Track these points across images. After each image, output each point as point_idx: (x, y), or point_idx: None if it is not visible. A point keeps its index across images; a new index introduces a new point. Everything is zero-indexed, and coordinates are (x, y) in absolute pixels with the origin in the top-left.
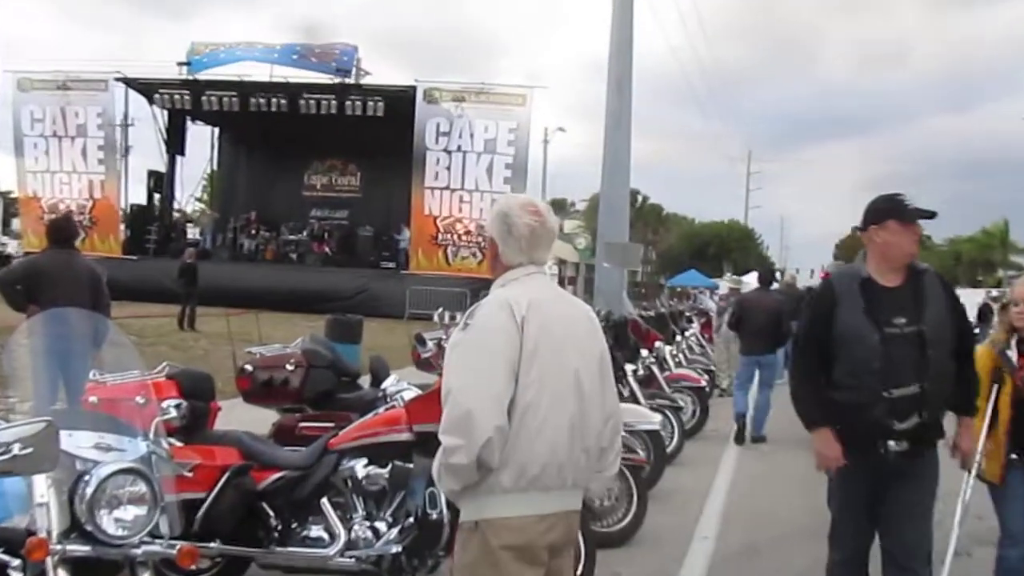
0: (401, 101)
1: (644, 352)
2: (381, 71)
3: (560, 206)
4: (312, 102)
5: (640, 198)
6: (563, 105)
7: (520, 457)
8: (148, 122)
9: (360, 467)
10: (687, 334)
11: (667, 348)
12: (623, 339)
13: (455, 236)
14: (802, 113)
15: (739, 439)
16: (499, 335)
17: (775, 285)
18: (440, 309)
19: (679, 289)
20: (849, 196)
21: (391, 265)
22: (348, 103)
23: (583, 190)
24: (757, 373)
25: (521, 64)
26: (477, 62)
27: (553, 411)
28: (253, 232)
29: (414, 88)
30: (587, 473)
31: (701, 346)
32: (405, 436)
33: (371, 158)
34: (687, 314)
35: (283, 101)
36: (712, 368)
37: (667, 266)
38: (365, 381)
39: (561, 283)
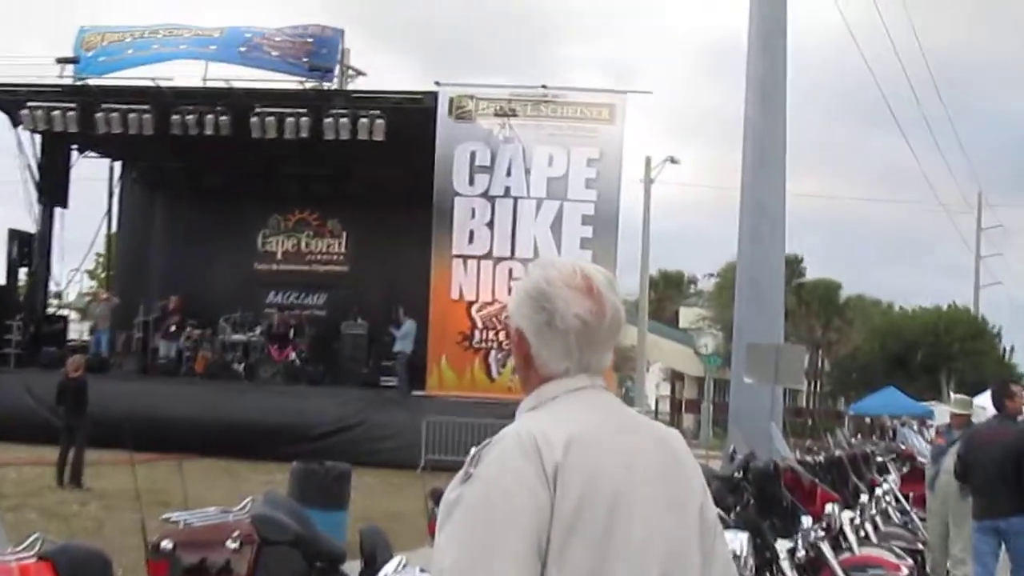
0: (413, 117)
1: (808, 521)
2: (381, 69)
3: (673, 284)
4: (270, 120)
5: (801, 270)
6: (668, 122)
7: None
8: (9, 154)
9: None
10: (881, 491)
11: (846, 514)
12: (772, 499)
13: (501, 335)
14: None
15: None
16: (515, 495)
17: None
18: (474, 451)
19: (868, 419)
20: None
21: (395, 382)
22: (328, 121)
23: (709, 258)
24: (1002, 549)
25: (596, 56)
26: (527, 54)
27: None
28: (174, 329)
29: (434, 96)
30: None
31: (904, 511)
32: None
33: (365, 209)
34: (880, 459)
35: (224, 119)
36: (922, 545)
37: (848, 382)
38: (354, 568)
39: (677, 407)
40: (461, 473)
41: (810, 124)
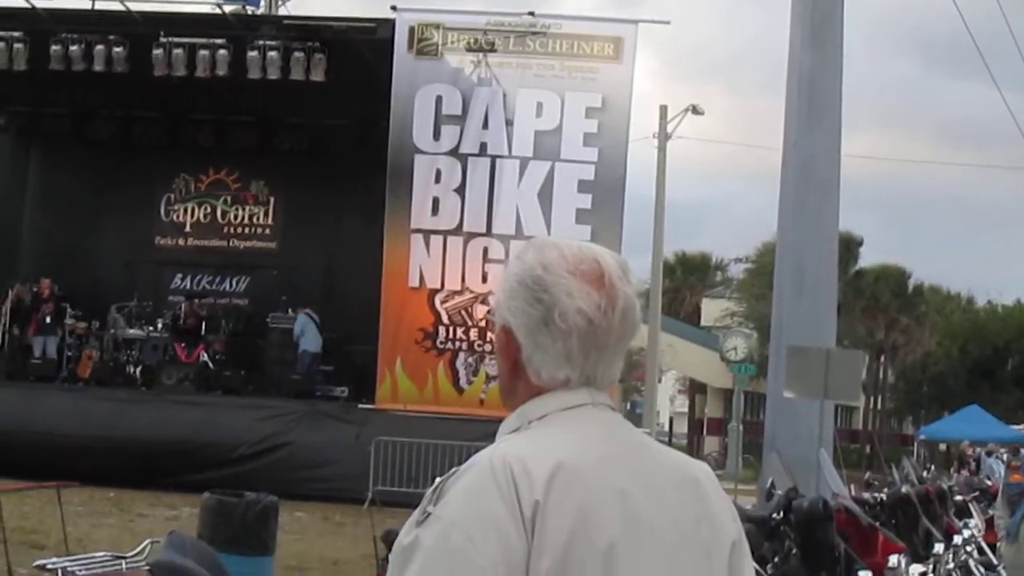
0: (362, 52)
1: None
2: None
3: (694, 270)
4: (178, 53)
5: (857, 253)
6: (689, 62)
7: None
8: None
9: None
10: (961, 539)
11: (915, 569)
12: (821, 548)
13: (472, 333)
14: None
15: None
16: (480, 542)
17: None
18: (437, 482)
19: (944, 447)
20: None
21: (338, 391)
22: (253, 56)
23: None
24: None
25: None
26: None
27: None
28: (49, 321)
29: (390, 24)
30: None
31: (990, 566)
32: None
33: (299, 170)
34: (960, 497)
35: (119, 51)
36: None
37: (918, 398)
38: None
39: (698, 427)
40: (418, 511)
41: (861, 66)
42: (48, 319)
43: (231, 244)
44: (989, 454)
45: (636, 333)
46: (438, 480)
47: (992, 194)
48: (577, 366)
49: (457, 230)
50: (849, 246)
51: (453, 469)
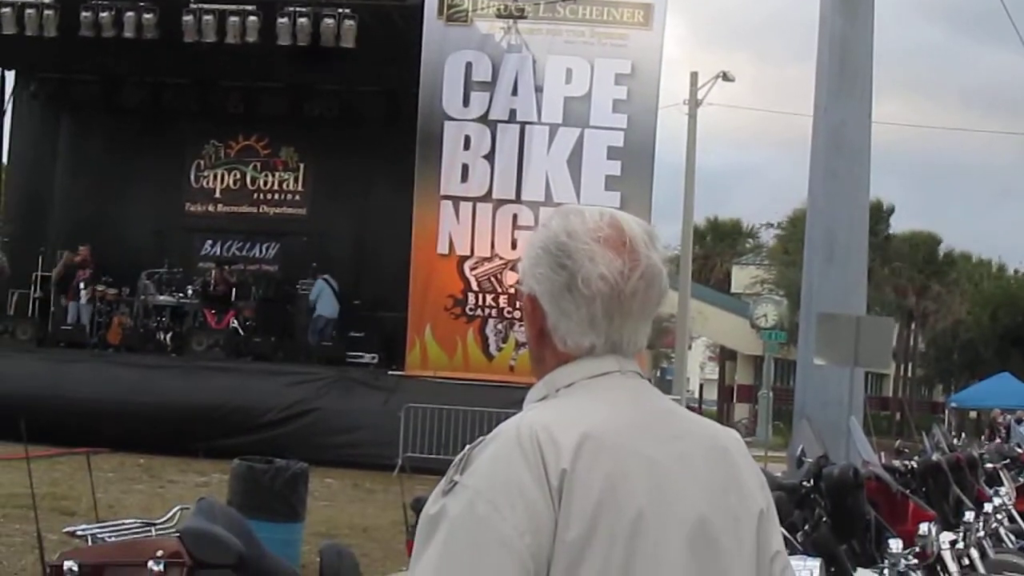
0: (392, 18)
1: (897, 545)
2: None
3: (724, 237)
4: (208, 20)
5: (887, 221)
6: (720, 28)
7: None
8: None
9: None
10: (991, 507)
11: (946, 537)
12: (851, 516)
13: (501, 300)
14: None
15: None
16: (507, 511)
17: None
18: (465, 451)
19: (974, 414)
20: None
21: (367, 358)
22: (283, 22)
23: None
24: None
25: None
26: None
27: None
28: (83, 287)
29: None
30: None
31: (1021, 533)
32: None
33: (328, 136)
34: (991, 465)
35: (149, 17)
36: None
37: (949, 365)
38: None
39: (728, 394)
40: (444, 480)
41: (889, 31)
42: (81, 286)
43: (261, 211)
44: (1019, 421)
45: (663, 300)
46: (465, 449)
47: (1022, 161)
48: (602, 332)
49: (486, 197)
50: (880, 213)
51: (480, 438)
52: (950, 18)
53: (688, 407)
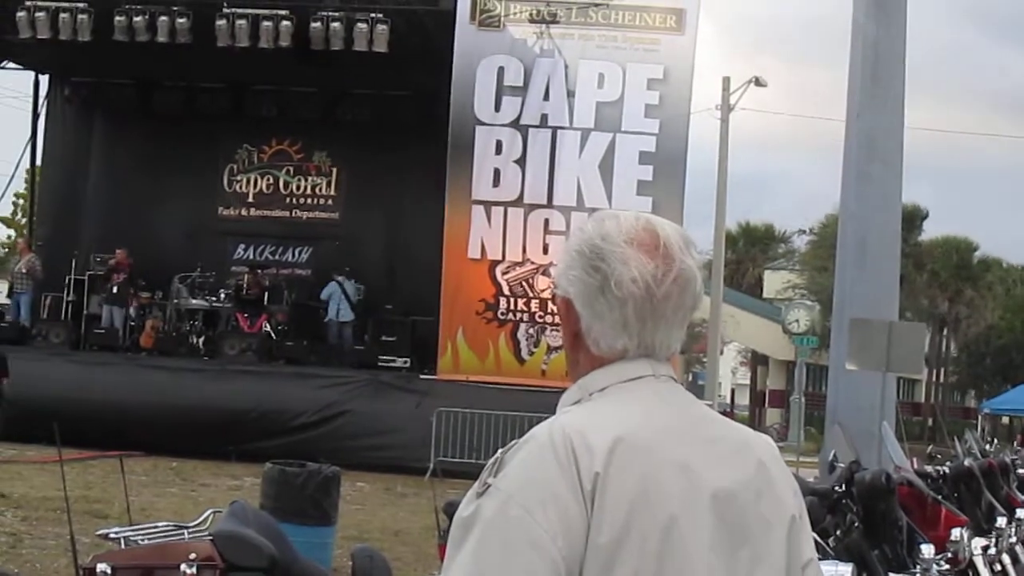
0: (424, 23)
1: (928, 550)
2: None
3: (757, 241)
4: (241, 25)
5: (921, 226)
6: (752, 33)
7: None
8: None
9: None
10: None
11: (978, 542)
12: (883, 521)
13: (533, 304)
14: None
15: None
16: (540, 514)
17: None
18: (498, 455)
19: (1007, 420)
20: None
21: (399, 362)
22: (316, 27)
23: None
24: None
25: None
26: None
27: None
28: (117, 291)
29: None
30: None
31: None
32: None
33: (361, 140)
34: (1022, 471)
35: (182, 22)
36: None
37: (982, 371)
38: None
39: (760, 399)
40: (478, 483)
41: (920, 36)
42: (115, 289)
43: (293, 215)
44: None
45: (697, 304)
46: (498, 452)
47: None
48: (634, 335)
49: (518, 201)
50: (912, 217)
51: (513, 442)
52: (980, 23)
53: (720, 412)
